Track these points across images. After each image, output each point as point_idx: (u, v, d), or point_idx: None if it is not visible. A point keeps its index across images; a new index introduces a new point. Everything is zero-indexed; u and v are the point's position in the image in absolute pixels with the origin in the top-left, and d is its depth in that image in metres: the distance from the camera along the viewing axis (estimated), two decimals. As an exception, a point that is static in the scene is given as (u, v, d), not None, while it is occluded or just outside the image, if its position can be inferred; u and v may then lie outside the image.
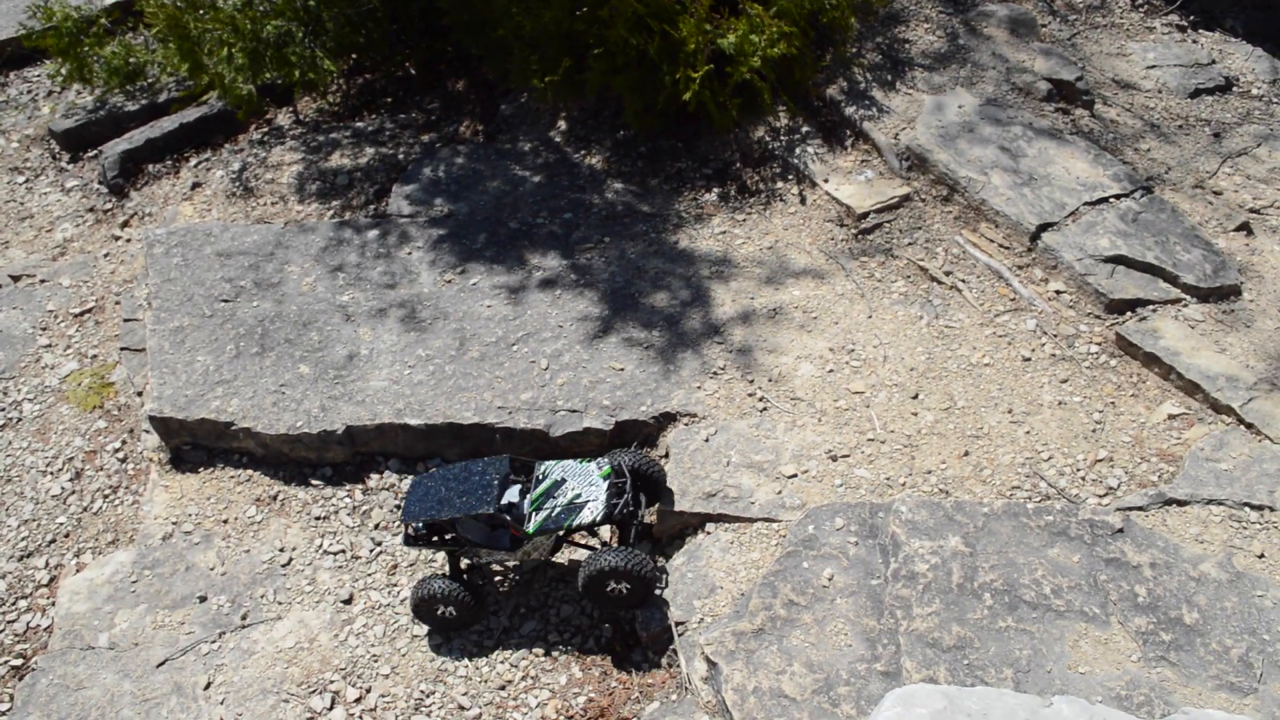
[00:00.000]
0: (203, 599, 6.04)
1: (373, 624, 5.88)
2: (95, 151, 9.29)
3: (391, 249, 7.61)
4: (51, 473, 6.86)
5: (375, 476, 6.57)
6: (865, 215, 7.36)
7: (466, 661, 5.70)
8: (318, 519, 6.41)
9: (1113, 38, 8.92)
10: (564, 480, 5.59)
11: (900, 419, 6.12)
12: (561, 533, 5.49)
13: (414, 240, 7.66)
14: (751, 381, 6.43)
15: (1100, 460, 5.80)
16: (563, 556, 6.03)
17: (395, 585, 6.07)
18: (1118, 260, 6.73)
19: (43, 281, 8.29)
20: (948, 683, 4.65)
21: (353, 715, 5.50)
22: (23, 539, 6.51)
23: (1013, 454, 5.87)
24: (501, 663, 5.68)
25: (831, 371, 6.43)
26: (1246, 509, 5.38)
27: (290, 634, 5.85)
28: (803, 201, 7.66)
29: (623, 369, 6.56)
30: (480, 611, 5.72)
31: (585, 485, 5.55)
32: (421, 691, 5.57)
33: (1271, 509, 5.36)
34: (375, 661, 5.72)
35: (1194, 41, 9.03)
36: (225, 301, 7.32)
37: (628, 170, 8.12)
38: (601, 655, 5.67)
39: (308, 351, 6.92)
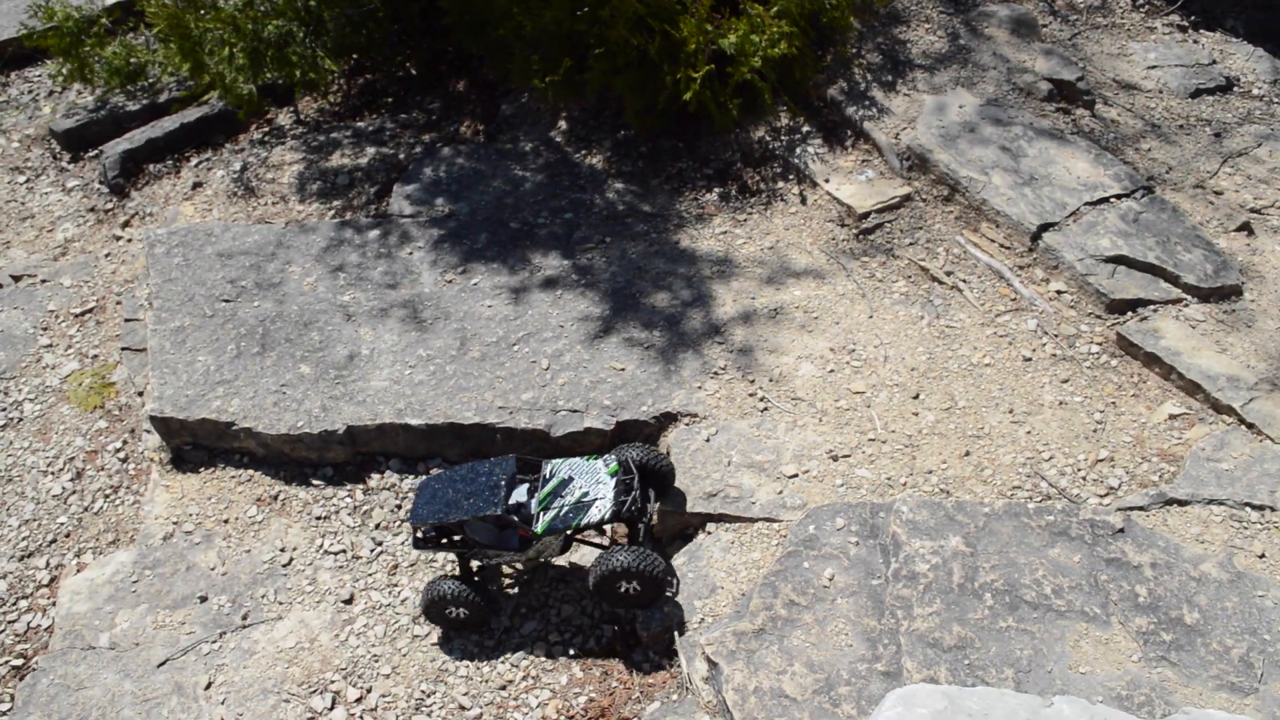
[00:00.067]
0: (203, 599, 6.04)
1: (373, 624, 5.88)
2: (96, 151, 9.29)
3: (392, 249, 7.61)
4: (52, 473, 6.86)
5: (376, 476, 6.57)
6: (866, 215, 7.36)
7: (467, 661, 5.70)
8: (318, 519, 6.41)
9: (1114, 38, 8.92)
10: (571, 479, 5.57)
11: (901, 419, 6.12)
12: (570, 532, 5.47)
13: (415, 240, 7.66)
14: (752, 381, 6.43)
15: (1101, 460, 5.80)
16: (563, 557, 6.03)
17: (396, 585, 6.07)
18: (1119, 260, 6.73)
19: (44, 281, 8.30)
20: (948, 683, 4.65)
21: (353, 715, 5.50)
22: (23, 539, 6.51)
23: (1013, 454, 5.87)
24: (502, 663, 5.68)
25: (832, 371, 6.43)
26: (1247, 509, 5.38)
27: (291, 634, 5.85)
28: (803, 201, 7.66)
29: (624, 369, 6.56)
30: (490, 612, 5.71)
31: (592, 483, 5.53)
32: (422, 691, 5.57)
33: (1272, 509, 5.35)
34: (376, 661, 5.72)
35: (1195, 42, 9.02)
36: (226, 301, 7.33)
37: (629, 170, 8.12)
38: (602, 655, 5.67)
39: (309, 351, 6.92)
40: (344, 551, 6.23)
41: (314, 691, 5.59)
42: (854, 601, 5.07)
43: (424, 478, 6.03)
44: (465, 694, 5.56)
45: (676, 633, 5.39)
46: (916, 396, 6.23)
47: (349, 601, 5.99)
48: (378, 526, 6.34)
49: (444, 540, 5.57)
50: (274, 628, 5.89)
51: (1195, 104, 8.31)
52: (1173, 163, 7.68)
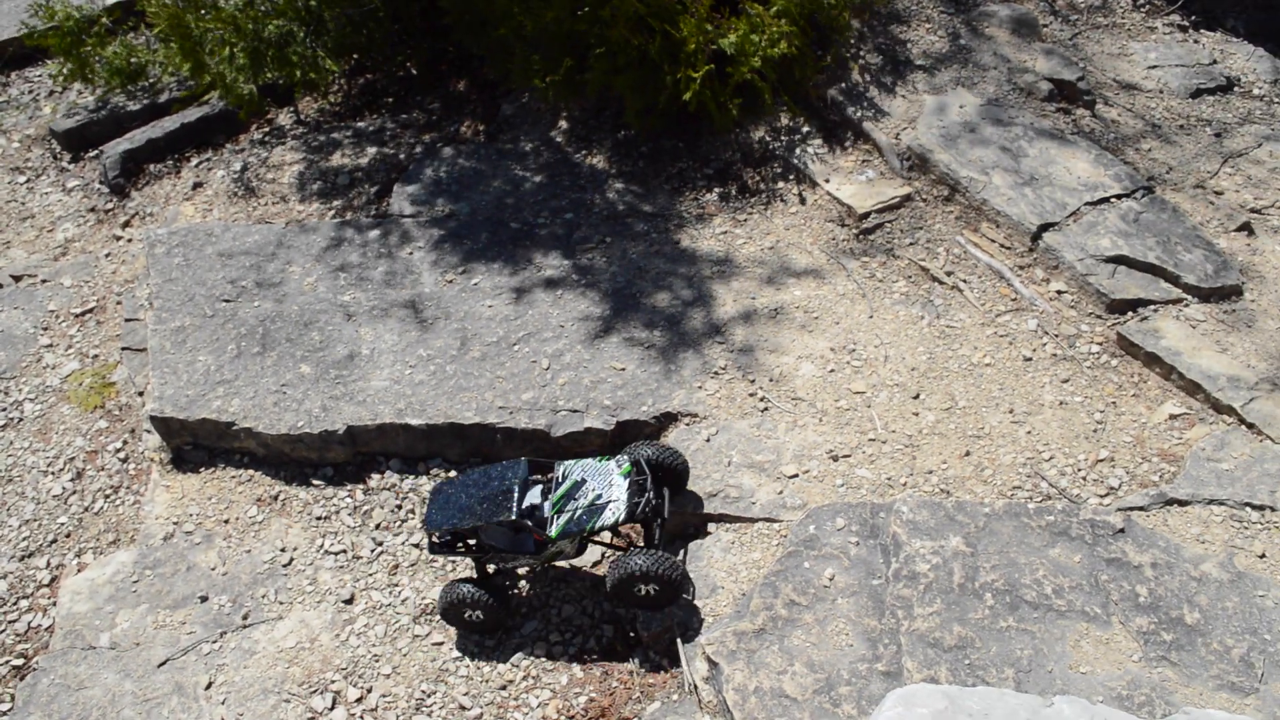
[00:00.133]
0: (204, 599, 6.04)
1: (374, 624, 5.88)
2: (96, 151, 9.30)
3: (393, 249, 7.62)
4: (53, 473, 6.86)
5: (376, 476, 6.57)
6: (866, 215, 7.36)
7: (468, 661, 5.70)
8: (319, 519, 6.41)
9: (1114, 38, 8.92)
10: (584, 480, 5.54)
11: (901, 419, 6.12)
12: (584, 535, 5.44)
13: (415, 240, 7.66)
14: (753, 381, 6.43)
15: (1101, 460, 5.80)
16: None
17: (396, 585, 6.07)
18: (1119, 260, 6.73)
19: (44, 281, 8.30)
20: (949, 683, 4.65)
21: (354, 715, 5.50)
22: (24, 539, 6.51)
23: (1014, 454, 5.87)
24: (502, 662, 5.68)
25: (833, 371, 6.43)
26: (1248, 509, 5.38)
27: (291, 634, 5.86)
28: (804, 201, 7.66)
29: (624, 369, 6.56)
30: (507, 614, 5.70)
31: (606, 485, 5.50)
32: (423, 691, 5.57)
33: (1273, 509, 5.35)
34: (376, 661, 5.72)
35: (1195, 42, 9.02)
36: (226, 301, 7.33)
37: (629, 170, 8.12)
38: (602, 655, 5.67)
39: (309, 351, 6.92)
40: (344, 551, 6.23)
41: (314, 691, 5.59)
42: (854, 601, 5.07)
43: (437, 482, 6.00)
44: (466, 694, 5.56)
45: (677, 632, 5.39)
46: (917, 396, 6.23)
47: (349, 601, 5.99)
48: (378, 526, 6.34)
49: (459, 545, 5.55)
50: (274, 628, 5.89)
51: (1195, 104, 8.31)
52: (1173, 163, 7.68)
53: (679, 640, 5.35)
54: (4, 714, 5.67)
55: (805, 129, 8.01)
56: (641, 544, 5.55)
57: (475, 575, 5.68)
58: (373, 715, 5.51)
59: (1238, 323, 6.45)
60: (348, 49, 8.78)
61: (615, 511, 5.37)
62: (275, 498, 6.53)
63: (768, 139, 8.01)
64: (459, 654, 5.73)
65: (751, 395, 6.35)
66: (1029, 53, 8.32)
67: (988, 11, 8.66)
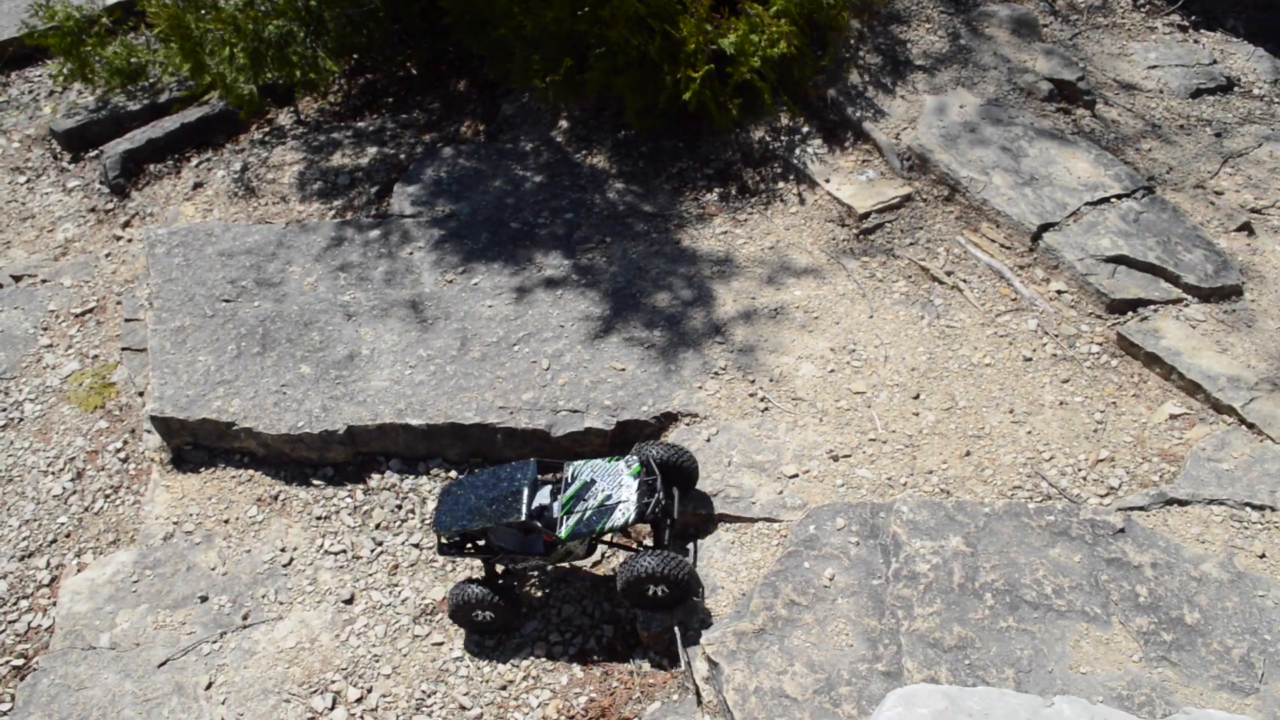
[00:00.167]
0: (204, 599, 6.04)
1: (374, 624, 5.88)
2: (96, 151, 9.30)
3: (393, 249, 7.62)
4: (53, 473, 6.86)
5: (376, 476, 6.57)
6: (866, 215, 7.36)
7: (468, 661, 5.70)
8: (319, 519, 6.41)
9: (1114, 38, 8.92)
10: (593, 481, 5.52)
11: (901, 419, 6.12)
12: (593, 535, 5.43)
13: (415, 240, 7.66)
14: (753, 381, 6.43)
15: (1101, 460, 5.80)
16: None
17: (396, 585, 6.07)
18: (1119, 260, 6.73)
19: (44, 281, 8.30)
20: (949, 683, 4.65)
21: (354, 715, 5.51)
22: (24, 539, 6.51)
23: (1014, 454, 5.87)
24: (503, 662, 5.68)
25: (833, 371, 6.43)
26: (1248, 509, 5.38)
27: (291, 634, 5.86)
28: (804, 201, 7.67)
29: (624, 369, 6.56)
30: (516, 615, 5.69)
31: (615, 486, 5.48)
32: (423, 691, 5.57)
33: (1273, 509, 5.35)
34: (376, 661, 5.72)
35: (1195, 42, 9.02)
36: (227, 301, 7.33)
37: (629, 170, 8.12)
38: (602, 655, 5.67)
39: (309, 351, 6.92)
40: (344, 551, 6.23)
41: (314, 691, 5.59)
42: (854, 601, 5.07)
43: (445, 483, 5.98)
44: (466, 694, 5.56)
45: (677, 632, 5.39)
46: (917, 396, 6.23)
47: (349, 601, 6.00)
48: (378, 526, 6.34)
49: (468, 546, 5.55)
50: (274, 628, 5.89)
51: (1196, 104, 8.31)
52: (1173, 163, 7.68)
53: (679, 640, 5.35)
54: (4, 714, 5.67)
55: (805, 129, 8.01)
56: (650, 544, 5.53)
57: (484, 576, 5.67)
58: (373, 715, 5.51)
59: (1238, 323, 6.45)
60: (348, 49, 8.79)
61: (625, 512, 5.36)
62: (275, 498, 6.53)
63: (768, 139, 8.01)
64: (459, 654, 5.73)
65: (752, 395, 6.35)
66: (1029, 53, 8.32)
67: (988, 11, 8.66)
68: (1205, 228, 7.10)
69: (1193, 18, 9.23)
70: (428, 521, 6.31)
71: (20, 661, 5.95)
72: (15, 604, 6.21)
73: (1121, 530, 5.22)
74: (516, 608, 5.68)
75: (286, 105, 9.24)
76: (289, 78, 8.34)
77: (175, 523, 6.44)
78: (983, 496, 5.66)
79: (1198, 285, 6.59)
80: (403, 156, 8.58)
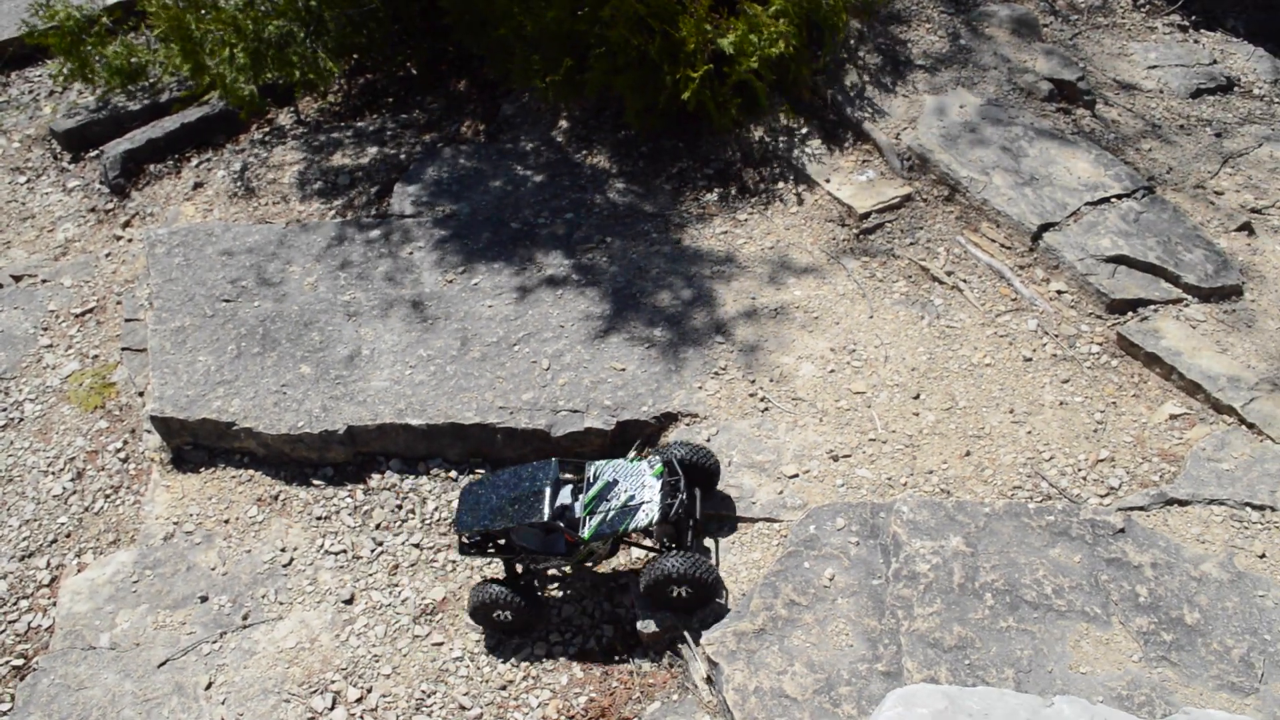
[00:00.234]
0: (204, 599, 6.04)
1: (374, 624, 5.88)
2: (97, 151, 9.30)
3: (393, 249, 7.62)
4: (53, 473, 6.86)
5: (376, 476, 6.57)
6: (866, 215, 7.36)
7: (468, 661, 5.70)
8: (319, 519, 6.41)
9: (1114, 38, 8.92)
10: (616, 482, 5.49)
11: (901, 419, 6.12)
12: (616, 536, 5.40)
13: (416, 240, 7.66)
14: (753, 381, 6.43)
15: (1102, 460, 5.80)
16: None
17: (396, 585, 6.07)
18: (1119, 260, 6.73)
19: (44, 281, 8.30)
20: (949, 683, 4.65)
21: (354, 715, 5.51)
22: (24, 539, 6.51)
23: (1014, 454, 5.87)
24: (503, 662, 5.68)
25: (833, 371, 6.43)
26: (1248, 509, 5.38)
27: (291, 634, 5.86)
28: (803, 201, 7.67)
29: (624, 369, 6.56)
30: (537, 615, 5.67)
31: (638, 486, 5.45)
32: (423, 691, 5.57)
33: (1273, 509, 5.35)
34: (376, 661, 5.72)
35: (1195, 42, 9.02)
36: (227, 301, 7.33)
37: (629, 170, 8.12)
38: (602, 655, 5.67)
39: (309, 351, 6.92)
40: (344, 551, 6.23)
41: (314, 691, 5.59)
42: (854, 601, 5.07)
43: (466, 483, 5.95)
44: (466, 694, 5.56)
45: (677, 632, 5.38)
46: (917, 396, 6.23)
47: (349, 601, 6.00)
48: (378, 526, 6.34)
49: (489, 546, 5.54)
50: (274, 628, 5.89)
51: (1196, 104, 8.31)
52: (1173, 163, 7.68)
53: (679, 640, 5.35)
54: (4, 714, 5.67)
55: (805, 129, 8.01)
56: (673, 545, 5.50)
57: (505, 575, 5.66)
58: (373, 715, 5.51)
59: (1238, 323, 6.45)
60: (348, 49, 8.79)
61: (649, 513, 5.32)
62: (275, 498, 6.53)
63: (768, 139, 8.01)
64: (459, 654, 5.73)
65: (752, 395, 6.35)
66: (1029, 53, 8.32)
67: (988, 11, 8.66)
68: (1205, 228, 7.10)
69: (1193, 18, 9.22)
70: (428, 521, 6.32)
71: (20, 661, 5.95)
72: (15, 604, 6.21)
73: (1121, 530, 5.22)
74: (537, 608, 5.65)
75: (287, 105, 9.24)
76: (289, 78, 8.34)
77: (175, 523, 6.44)
78: (983, 496, 5.66)
79: (1198, 285, 6.59)
80: (403, 156, 8.59)
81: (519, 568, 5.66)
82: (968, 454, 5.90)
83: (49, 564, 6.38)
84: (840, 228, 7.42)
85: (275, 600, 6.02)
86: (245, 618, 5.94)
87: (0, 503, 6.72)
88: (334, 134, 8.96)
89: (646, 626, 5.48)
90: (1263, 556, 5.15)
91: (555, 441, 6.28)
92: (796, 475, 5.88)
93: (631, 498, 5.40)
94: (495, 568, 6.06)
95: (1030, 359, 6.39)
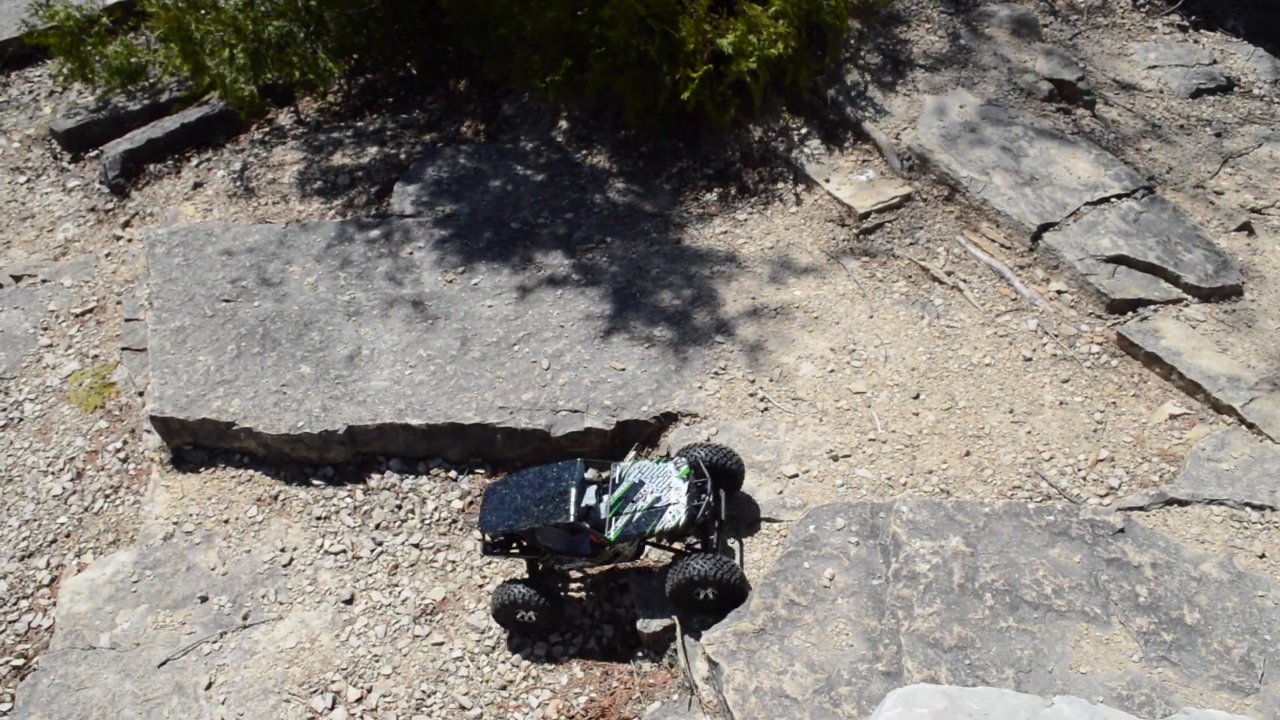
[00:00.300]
0: (204, 599, 6.04)
1: (374, 624, 5.88)
2: (97, 151, 9.30)
3: (393, 249, 7.62)
4: (53, 473, 6.86)
5: (376, 476, 6.57)
6: (866, 215, 7.36)
7: (468, 661, 5.70)
8: (319, 519, 6.41)
9: (1114, 38, 8.92)
10: (642, 483, 5.47)
11: (901, 419, 6.12)
12: (643, 538, 5.38)
13: (416, 240, 7.66)
14: (753, 381, 6.43)
15: (1101, 460, 5.80)
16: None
17: (396, 585, 6.07)
18: (1119, 260, 6.73)
19: (44, 281, 8.30)
20: (949, 683, 4.65)
21: (354, 715, 5.51)
22: (24, 539, 6.51)
23: (1014, 454, 5.87)
24: (503, 663, 5.68)
25: (833, 371, 6.43)
26: (1248, 509, 5.38)
27: (291, 634, 5.86)
28: (803, 201, 7.66)
29: (624, 369, 6.56)
30: (560, 616, 5.66)
31: (664, 488, 5.43)
32: (423, 691, 5.57)
33: (1273, 509, 5.35)
34: (376, 661, 5.72)
35: (1195, 42, 9.02)
36: (227, 301, 7.33)
37: (629, 170, 8.12)
38: (602, 655, 5.67)
39: (309, 351, 6.92)
40: (344, 551, 6.23)
41: (314, 691, 5.59)
42: (854, 601, 5.07)
43: (490, 483, 5.93)
44: (466, 694, 5.56)
45: (677, 633, 5.38)
46: (917, 396, 6.23)
47: (349, 601, 6.00)
48: (378, 526, 6.34)
49: (513, 547, 5.52)
50: (274, 628, 5.89)
51: (1196, 104, 8.31)
52: (1173, 163, 7.68)
53: (679, 640, 5.35)
54: (4, 714, 5.67)
55: (805, 129, 8.01)
56: (699, 547, 5.46)
57: (528, 576, 5.64)
58: (373, 715, 5.51)
59: (1238, 323, 6.45)
60: (348, 49, 8.79)
61: (675, 515, 5.30)
62: (275, 498, 6.53)
63: (768, 139, 8.01)
64: (459, 654, 5.73)
65: (752, 395, 6.35)
66: (1029, 53, 8.32)
67: (988, 11, 8.66)
68: (1205, 228, 7.10)
69: (1193, 18, 9.22)
70: (428, 521, 6.32)
71: (20, 661, 5.95)
72: (15, 604, 6.21)
73: (1121, 530, 5.22)
74: (560, 608, 5.64)
75: (286, 105, 9.24)
76: (289, 78, 8.34)
77: (175, 523, 6.44)
78: (983, 496, 5.66)
79: (1198, 285, 6.59)
80: (403, 156, 8.59)
81: (542, 568, 5.65)
82: (968, 454, 5.90)
83: (49, 564, 6.38)
84: (840, 228, 7.42)
85: (275, 600, 6.02)
86: (245, 618, 5.94)
87: (0, 503, 6.72)
88: (334, 134, 8.96)
89: (646, 626, 5.48)
90: (1263, 556, 5.15)
91: (555, 441, 6.28)
92: (796, 475, 5.88)
93: (658, 499, 5.36)
94: (494, 568, 6.06)
95: (1030, 359, 6.39)
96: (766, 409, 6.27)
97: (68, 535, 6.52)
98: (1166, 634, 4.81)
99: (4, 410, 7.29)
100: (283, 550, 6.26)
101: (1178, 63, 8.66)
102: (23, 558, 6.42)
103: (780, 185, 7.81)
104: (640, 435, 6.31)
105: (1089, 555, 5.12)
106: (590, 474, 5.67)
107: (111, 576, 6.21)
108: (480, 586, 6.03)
